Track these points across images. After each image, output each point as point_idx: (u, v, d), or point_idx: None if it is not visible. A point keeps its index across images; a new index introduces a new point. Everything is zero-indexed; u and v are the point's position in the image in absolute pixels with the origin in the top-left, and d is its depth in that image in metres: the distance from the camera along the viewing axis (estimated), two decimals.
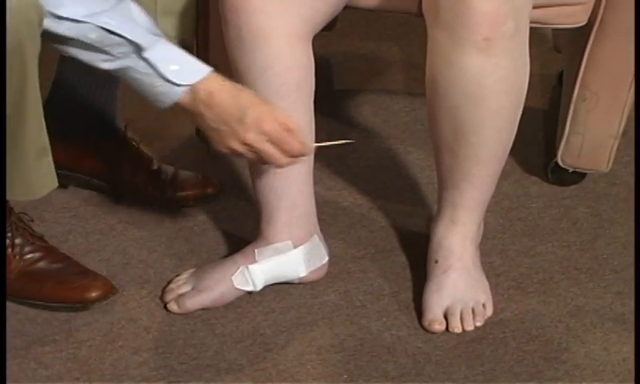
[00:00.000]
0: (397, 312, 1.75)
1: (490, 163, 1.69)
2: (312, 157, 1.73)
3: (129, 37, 1.48)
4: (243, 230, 1.89)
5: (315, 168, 1.76)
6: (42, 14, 1.43)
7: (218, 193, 1.98)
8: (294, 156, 1.56)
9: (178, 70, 1.50)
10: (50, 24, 1.46)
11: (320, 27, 1.69)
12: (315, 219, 1.77)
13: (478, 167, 1.68)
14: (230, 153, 1.55)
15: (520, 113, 1.68)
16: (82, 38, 1.48)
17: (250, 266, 1.74)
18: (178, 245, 1.87)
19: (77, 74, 1.88)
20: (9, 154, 1.51)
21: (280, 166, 1.57)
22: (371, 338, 1.70)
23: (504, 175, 1.77)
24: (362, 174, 2.07)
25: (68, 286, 1.70)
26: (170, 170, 1.98)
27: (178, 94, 1.51)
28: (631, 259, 1.87)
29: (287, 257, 1.75)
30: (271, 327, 1.71)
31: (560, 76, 2.31)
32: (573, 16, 1.86)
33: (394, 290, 1.79)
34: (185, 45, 1.75)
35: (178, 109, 1.53)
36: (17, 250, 1.71)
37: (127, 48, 1.49)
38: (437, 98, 1.64)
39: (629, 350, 1.68)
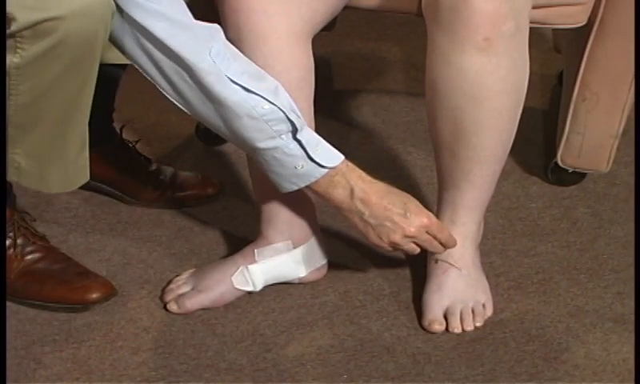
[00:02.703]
0: (397, 312, 1.75)
1: (490, 163, 1.69)
2: None
3: (289, 116, 1.53)
4: (243, 230, 1.89)
5: None
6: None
7: (217, 193, 1.98)
8: (445, 245, 1.67)
9: (322, 153, 1.57)
10: (223, 88, 1.50)
11: (320, 27, 1.69)
12: (315, 219, 1.77)
13: (479, 167, 1.68)
14: (389, 246, 1.64)
15: (520, 113, 1.68)
16: (252, 111, 1.51)
17: (250, 266, 1.74)
18: (178, 245, 1.88)
19: None
20: (54, 147, 1.52)
21: (436, 252, 1.69)
22: (371, 338, 1.70)
23: (504, 175, 1.77)
24: None
25: (68, 287, 1.70)
26: (169, 170, 1.98)
27: (316, 177, 1.58)
28: (631, 259, 1.87)
29: (287, 257, 1.75)
30: (271, 327, 1.71)
31: (560, 76, 2.31)
32: (573, 16, 1.86)
33: (393, 290, 1.79)
34: None
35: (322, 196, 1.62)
36: (18, 249, 1.71)
37: (285, 127, 1.54)
38: (437, 99, 1.64)
39: (629, 350, 1.68)
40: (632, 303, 1.77)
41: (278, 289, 1.77)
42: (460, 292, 1.72)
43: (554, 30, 2.24)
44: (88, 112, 1.52)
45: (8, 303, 1.70)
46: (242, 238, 1.85)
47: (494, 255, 1.87)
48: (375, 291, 1.79)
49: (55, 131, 1.51)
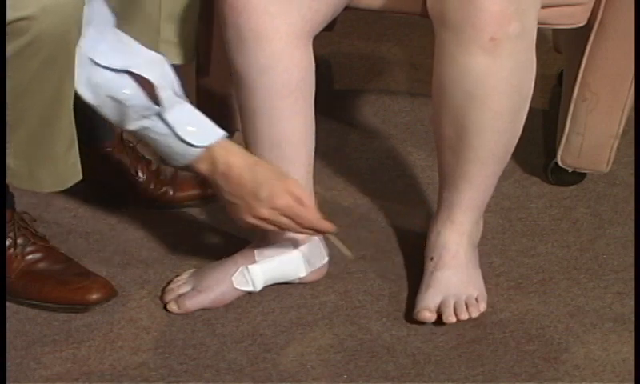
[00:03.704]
0: (397, 312, 1.75)
1: (489, 164, 1.69)
2: (312, 157, 1.73)
3: (160, 93, 1.52)
4: (243, 230, 1.89)
5: (315, 168, 1.76)
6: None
7: None
8: (309, 228, 1.62)
9: (194, 132, 1.56)
10: (86, 71, 1.49)
11: (320, 28, 1.69)
12: None
13: (478, 168, 1.68)
14: (244, 224, 1.62)
15: (524, 115, 1.67)
16: (114, 94, 1.51)
17: (250, 267, 1.74)
18: (178, 245, 1.87)
19: None
20: (40, 146, 1.52)
21: (303, 234, 1.66)
22: (371, 338, 1.70)
23: (504, 175, 1.77)
24: (362, 174, 2.07)
25: (69, 287, 1.70)
26: (169, 170, 1.98)
27: (193, 155, 1.57)
28: (631, 259, 1.87)
29: (287, 257, 1.75)
30: (271, 327, 1.71)
31: (560, 76, 2.31)
32: (573, 16, 1.86)
33: (393, 290, 1.79)
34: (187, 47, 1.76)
35: (193, 169, 1.60)
36: (18, 249, 1.71)
37: (150, 110, 1.53)
38: (442, 98, 1.64)
39: (629, 350, 1.68)
40: (632, 303, 1.77)
41: (278, 289, 1.77)
42: (453, 287, 1.72)
43: (554, 30, 2.24)
44: (71, 108, 1.52)
45: (8, 303, 1.70)
46: (242, 238, 1.85)
47: (493, 255, 1.87)
48: (375, 291, 1.79)
49: (40, 129, 1.51)
